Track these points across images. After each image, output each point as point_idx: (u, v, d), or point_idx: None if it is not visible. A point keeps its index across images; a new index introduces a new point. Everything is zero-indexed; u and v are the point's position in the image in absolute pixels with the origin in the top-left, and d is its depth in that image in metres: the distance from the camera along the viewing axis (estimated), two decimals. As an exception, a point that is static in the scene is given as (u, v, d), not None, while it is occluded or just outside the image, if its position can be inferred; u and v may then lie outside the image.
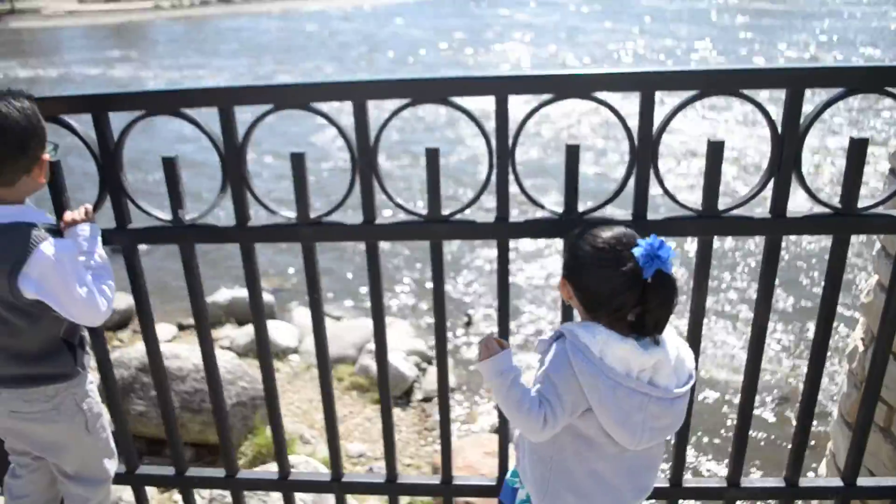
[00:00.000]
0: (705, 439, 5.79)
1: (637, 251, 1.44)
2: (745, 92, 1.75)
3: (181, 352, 5.01)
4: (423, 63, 22.10)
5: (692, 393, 1.67)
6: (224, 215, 2.03)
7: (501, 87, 1.79)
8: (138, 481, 2.39)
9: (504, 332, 2.04)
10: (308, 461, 4.37)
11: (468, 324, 7.76)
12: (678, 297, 1.48)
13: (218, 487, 2.50)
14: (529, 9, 36.26)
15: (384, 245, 9.20)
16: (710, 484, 2.18)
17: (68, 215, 1.87)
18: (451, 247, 8.73)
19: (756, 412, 5.75)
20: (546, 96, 1.79)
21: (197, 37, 29.50)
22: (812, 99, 1.66)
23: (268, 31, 30.53)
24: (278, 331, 6.90)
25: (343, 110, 1.75)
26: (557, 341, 1.55)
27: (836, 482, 2.13)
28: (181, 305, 7.47)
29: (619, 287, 1.46)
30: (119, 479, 2.32)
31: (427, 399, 6.58)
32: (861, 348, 2.52)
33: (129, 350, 5.20)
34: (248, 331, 6.89)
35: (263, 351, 2.18)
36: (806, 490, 2.14)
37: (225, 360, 5.05)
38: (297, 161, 1.90)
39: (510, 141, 1.83)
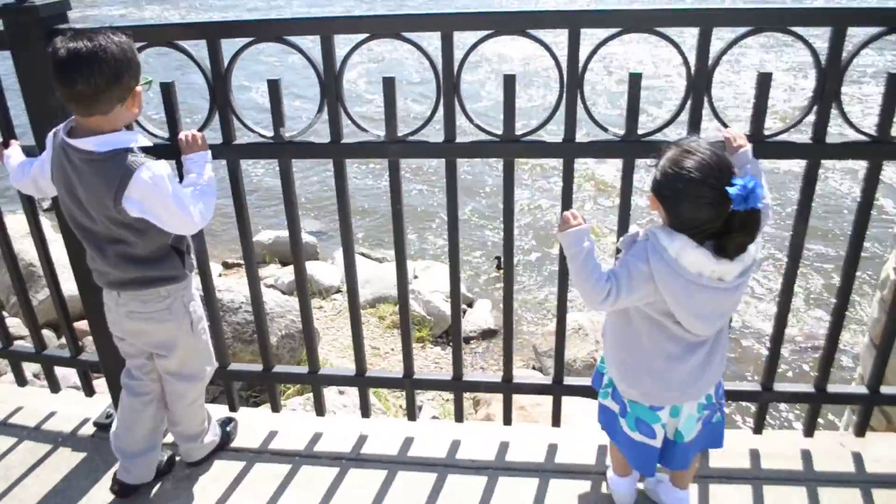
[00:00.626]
0: (745, 352, 6.18)
1: (732, 191, 1.56)
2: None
3: (232, 285, 5.33)
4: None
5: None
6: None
7: (574, 21, 2.00)
8: (229, 377, 2.69)
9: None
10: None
11: (498, 267, 8.03)
12: (759, 228, 1.66)
13: (301, 382, 2.78)
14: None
15: (423, 188, 9.50)
16: (746, 387, 2.42)
17: (182, 134, 2.14)
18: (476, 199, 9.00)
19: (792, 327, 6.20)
20: (613, 30, 2.01)
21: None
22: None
23: None
24: (321, 271, 7.18)
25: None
26: (641, 238, 1.76)
27: (862, 389, 2.36)
28: (225, 247, 7.86)
29: (709, 217, 1.62)
30: (215, 374, 2.63)
31: (467, 339, 6.87)
32: (893, 277, 2.72)
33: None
34: (292, 270, 7.20)
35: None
36: (834, 395, 2.37)
37: (273, 296, 5.37)
38: (388, 85, 2.14)
39: (579, 69, 2.05)
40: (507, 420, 2.59)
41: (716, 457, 2.39)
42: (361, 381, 2.60)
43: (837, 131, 2.05)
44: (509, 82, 2.09)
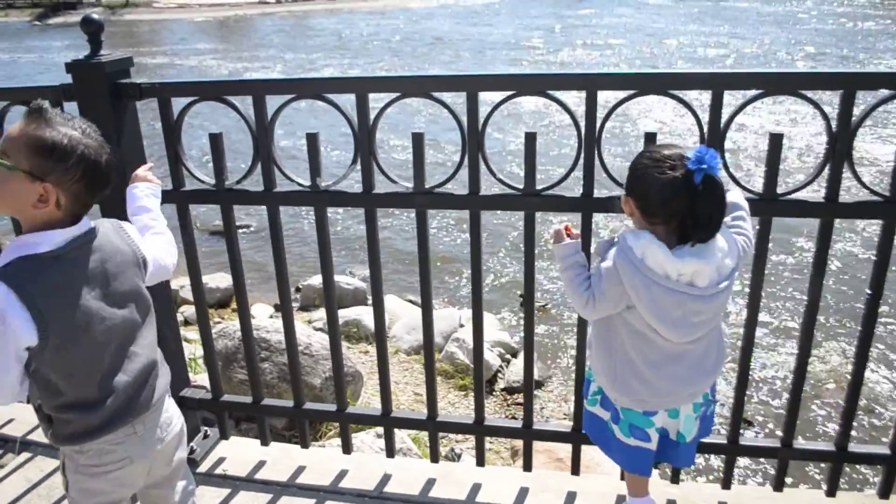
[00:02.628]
0: (762, 405, 6.06)
1: (689, 153, 1.70)
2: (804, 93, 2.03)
3: (280, 326, 5.50)
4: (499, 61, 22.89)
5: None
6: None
7: (591, 83, 2.12)
8: (261, 411, 2.81)
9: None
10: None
11: (522, 304, 8.16)
12: (725, 201, 1.75)
13: (329, 420, 2.88)
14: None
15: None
16: (766, 443, 2.42)
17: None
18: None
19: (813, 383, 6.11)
20: (629, 92, 2.12)
21: (291, 32, 30.94)
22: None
23: (356, 26, 31.84)
24: (369, 315, 7.34)
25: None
26: (613, 242, 1.88)
27: (884, 450, 2.34)
28: (274, 291, 8.16)
29: (673, 190, 1.71)
30: (246, 408, 2.77)
31: (510, 390, 6.89)
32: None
33: (234, 323, 5.76)
34: (340, 314, 7.35)
35: (376, 287, 2.57)
36: (854, 455, 2.36)
37: (320, 338, 5.53)
38: (417, 140, 2.28)
39: (597, 128, 2.16)
40: (528, 466, 2.64)
41: (734, 512, 2.39)
42: (386, 420, 2.70)
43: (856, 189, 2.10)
44: (530, 140, 2.21)
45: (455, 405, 6.48)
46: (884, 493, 2.39)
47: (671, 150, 1.76)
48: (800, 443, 2.39)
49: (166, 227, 1.94)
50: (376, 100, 2.27)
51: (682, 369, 1.89)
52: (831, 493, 2.42)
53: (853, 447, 2.36)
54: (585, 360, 2.46)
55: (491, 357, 6.89)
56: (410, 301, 7.89)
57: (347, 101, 2.31)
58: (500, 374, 6.97)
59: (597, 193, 2.23)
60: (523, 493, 2.55)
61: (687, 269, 1.75)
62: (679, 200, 1.72)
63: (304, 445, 2.83)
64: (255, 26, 34.42)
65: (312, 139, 2.36)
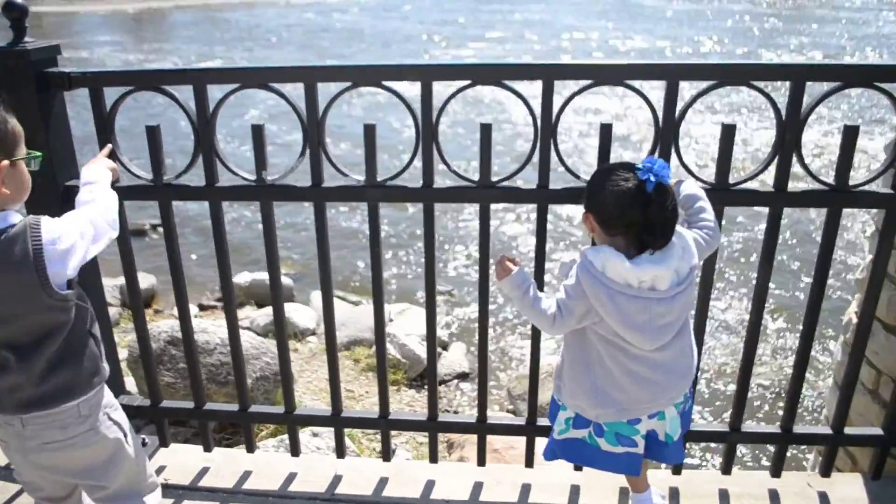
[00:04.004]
0: (712, 392, 6.35)
1: (639, 164, 1.79)
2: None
3: (208, 326, 5.32)
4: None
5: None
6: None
7: (549, 73, 2.09)
8: (204, 416, 2.69)
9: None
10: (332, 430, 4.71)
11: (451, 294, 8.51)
12: (677, 205, 1.84)
13: (277, 423, 2.79)
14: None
15: (402, 227, 9.62)
16: (714, 428, 2.47)
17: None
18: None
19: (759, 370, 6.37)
20: (585, 82, 2.11)
21: (202, 25, 30.05)
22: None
23: (269, 20, 31.25)
24: (297, 313, 7.19)
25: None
26: (574, 262, 1.91)
27: (826, 430, 2.43)
28: (201, 288, 7.87)
29: (628, 200, 1.78)
30: (188, 413, 2.65)
31: (442, 381, 6.88)
32: (855, 320, 2.81)
33: (158, 324, 5.52)
34: (268, 311, 7.19)
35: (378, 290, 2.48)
36: (799, 436, 2.44)
37: (249, 337, 5.37)
38: (369, 131, 2.21)
39: (553, 118, 2.14)
40: (482, 461, 2.61)
41: (687, 497, 2.43)
42: (337, 421, 2.62)
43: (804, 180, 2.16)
44: (485, 131, 2.17)
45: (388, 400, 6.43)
46: (826, 472, 2.48)
47: (622, 165, 1.85)
48: (747, 426, 2.45)
49: (103, 195, 1.85)
50: (328, 90, 2.19)
51: (659, 376, 1.93)
52: (776, 473, 2.49)
53: (798, 428, 2.44)
54: (539, 354, 2.47)
55: (423, 350, 6.86)
56: (338, 297, 7.78)
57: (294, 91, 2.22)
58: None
59: (552, 185, 2.21)
60: (478, 487, 2.53)
61: (646, 275, 1.80)
62: (634, 210, 1.79)
63: (250, 449, 2.72)
64: (168, 20, 33.16)
65: (258, 131, 2.25)
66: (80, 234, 1.67)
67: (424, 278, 2.41)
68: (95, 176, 1.91)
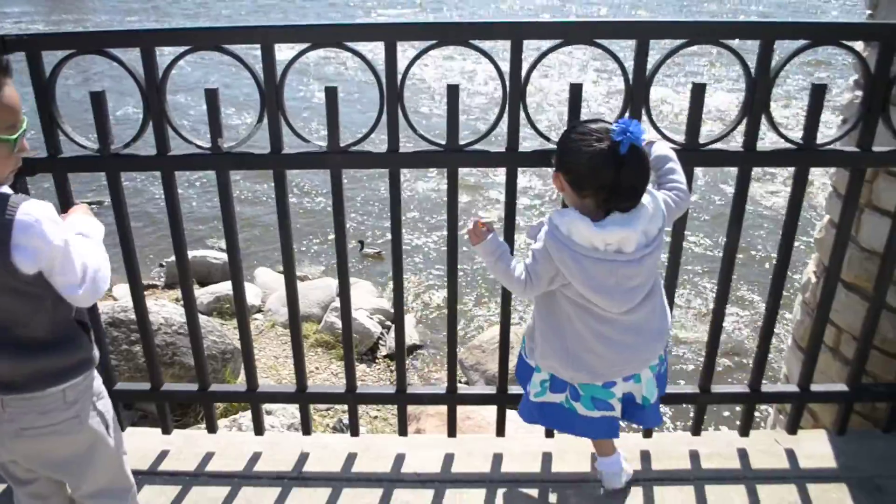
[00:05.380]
0: (681, 355, 6.50)
1: (613, 126, 1.74)
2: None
3: (150, 307, 5.15)
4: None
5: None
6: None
7: (517, 32, 2.03)
8: (162, 397, 2.58)
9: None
10: (285, 408, 4.64)
11: (361, 249, 8.64)
12: (649, 170, 1.80)
13: (240, 401, 2.69)
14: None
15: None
16: (685, 390, 2.48)
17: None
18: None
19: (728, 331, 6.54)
20: (555, 41, 2.05)
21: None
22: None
23: None
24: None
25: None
26: (541, 226, 1.89)
27: (793, 388, 2.46)
28: (142, 266, 7.61)
29: (601, 161, 1.74)
30: (145, 396, 2.54)
31: (392, 356, 6.83)
32: (814, 280, 2.86)
33: (98, 305, 5.32)
34: (211, 290, 7.05)
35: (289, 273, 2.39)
36: (767, 395, 2.47)
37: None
38: (331, 94, 2.11)
39: (522, 79, 2.08)
40: (452, 432, 2.57)
41: (658, 459, 2.44)
42: (302, 397, 2.54)
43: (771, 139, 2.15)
44: (452, 92, 2.10)
45: (338, 375, 6.35)
46: (792, 430, 2.52)
47: (597, 125, 1.79)
48: (717, 387, 2.47)
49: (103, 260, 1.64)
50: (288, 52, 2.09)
51: (631, 337, 1.91)
52: (745, 433, 2.52)
53: (765, 388, 2.46)
54: (509, 321, 2.43)
55: (371, 325, 6.80)
56: (281, 272, 7.63)
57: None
58: (381, 342, 6.89)
59: (521, 148, 2.16)
60: (449, 459, 2.49)
61: (612, 237, 1.78)
62: (607, 171, 1.74)
63: (211, 430, 2.63)
64: None
65: (212, 95, 2.13)
66: (62, 246, 1.51)
67: (391, 250, 2.34)
68: (88, 229, 1.70)
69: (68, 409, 1.63)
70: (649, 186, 1.84)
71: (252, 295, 7.15)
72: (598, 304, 1.85)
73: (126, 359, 4.74)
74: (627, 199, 1.78)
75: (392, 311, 7.34)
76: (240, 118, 12.27)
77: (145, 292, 7.05)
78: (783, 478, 2.36)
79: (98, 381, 1.76)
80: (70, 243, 1.53)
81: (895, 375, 2.48)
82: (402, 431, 2.59)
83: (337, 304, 6.83)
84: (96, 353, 1.71)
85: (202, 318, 5.39)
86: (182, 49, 2.08)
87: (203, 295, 6.93)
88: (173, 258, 2.41)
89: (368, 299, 7.33)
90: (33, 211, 1.47)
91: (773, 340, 2.44)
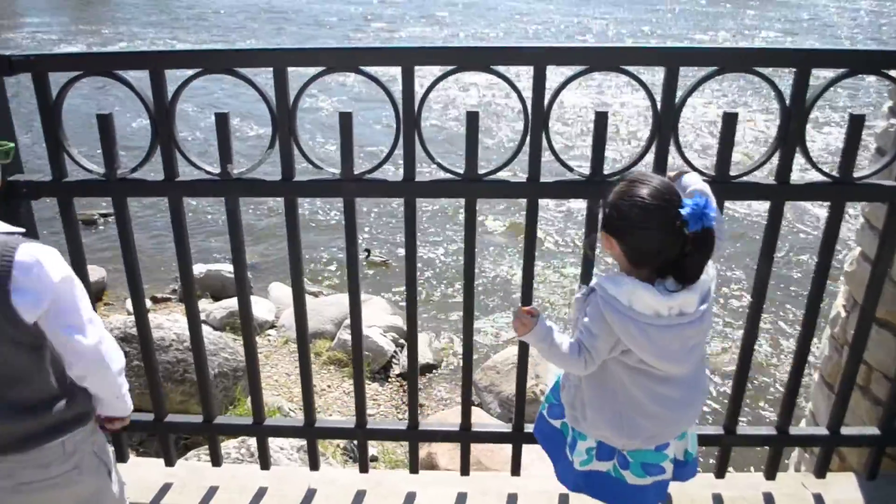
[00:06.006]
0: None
1: (685, 211, 1.56)
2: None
3: (163, 322, 5.08)
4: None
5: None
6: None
7: (540, 58, 1.94)
8: (166, 429, 2.48)
9: (528, 296, 2.20)
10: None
11: (367, 257, 8.48)
12: (713, 247, 1.64)
13: (246, 434, 2.61)
14: None
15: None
16: (709, 431, 2.37)
17: None
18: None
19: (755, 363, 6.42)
20: (580, 68, 1.96)
21: (153, 10, 29.01)
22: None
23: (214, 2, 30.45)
24: (256, 306, 6.96)
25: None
26: (591, 296, 1.72)
27: (822, 431, 2.35)
28: (152, 281, 7.53)
29: (667, 243, 1.60)
30: (148, 427, 2.45)
31: (405, 376, 6.73)
32: (843, 314, 2.74)
33: (110, 320, 5.25)
34: (224, 304, 6.98)
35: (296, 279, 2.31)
36: (795, 438, 2.36)
37: (206, 332, 5.16)
38: (345, 119, 2.03)
39: (545, 106, 1.99)
40: (465, 470, 2.47)
41: (680, 503, 2.33)
42: (310, 431, 2.44)
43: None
44: (472, 120, 2.01)
45: (350, 394, 6.25)
46: (821, 473, 2.41)
47: (658, 193, 1.61)
48: (742, 428, 2.36)
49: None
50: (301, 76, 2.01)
51: (683, 394, 1.79)
52: (771, 475, 2.41)
53: (794, 430, 2.35)
54: (527, 360, 2.33)
55: (385, 342, 6.70)
56: (298, 288, 7.57)
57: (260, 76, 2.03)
58: (394, 360, 6.80)
59: (543, 178, 2.07)
60: (462, 498, 2.39)
61: (676, 303, 1.65)
62: (672, 252, 1.61)
63: (216, 463, 2.53)
64: (113, 2, 31.80)
65: (222, 120, 2.05)
66: (64, 283, 1.45)
67: (406, 281, 2.25)
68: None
69: (67, 461, 1.56)
70: None
71: (265, 310, 7.09)
72: (664, 369, 1.72)
73: (137, 374, 4.67)
74: (690, 278, 1.64)
75: (405, 328, 7.32)
76: (250, 129, 12.25)
77: (159, 305, 6.92)
78: (812, 525, 2.26)
79: (96, 428, 1.67)
80: (75, 283, 1.46)
81: (930, 417, 2.36)
82: (414, 468, 2.49)
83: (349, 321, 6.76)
84: (94, 405, 1.63)
85: (214, 335, 5.32)
86: (192, 72, 2.01)
87: (216, 310, 6.87)
88: (196, 271, 2.31)
89: (382, 316, 7.23)
90: (34, 251, 1.41)
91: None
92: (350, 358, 6.62)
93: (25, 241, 1.43)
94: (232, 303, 6.95)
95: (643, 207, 1.61)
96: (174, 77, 1.99)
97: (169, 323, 5.06)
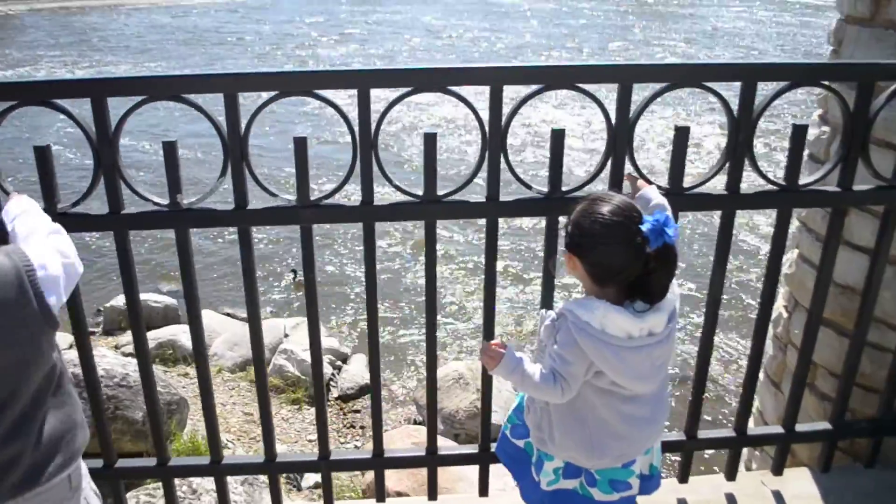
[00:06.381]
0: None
1: (645, 227, 1.58)
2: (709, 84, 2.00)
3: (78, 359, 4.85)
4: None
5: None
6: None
7: (496, 77, 1.94)
8: (117, 475, 2.36)
9: (490, 328, 2.19)
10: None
11: (294, 278, 8.64)
12: (677, 264, 1.66)
13: (203, 475, 2.50)
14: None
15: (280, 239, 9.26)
16: (671, 437, 2.41)
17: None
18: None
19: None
20: (536, 87, 1.97)
21: (61, 32, 27.93)
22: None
23: (122, 23, 29.65)
24: (186, 335, 6.75)
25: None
26: (560, 321, 1.71)
27: (778, 430, 2.42)
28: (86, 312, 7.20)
29: (629, 260, 1.60)
30: (97, 474, 2.31)
31: (345, 398, 6.62)
32: (784, 315, 2.85)
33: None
34: (152, 335, 6.72)
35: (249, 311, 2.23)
36: (753, 438, 2.43)
37: (134, 366, 4.97)
38: (300, 145, 1.98)
39: (502, 125, 1.99)
40: (433, 494, 2.43)
41: (646, 511, 2.36)
42: (272, 466, 2.36)
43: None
44: (430, 141, 1.99)
45: (289, 420, 6.11)
46: (778, 470, 2.48)
47: (619, 211, 1.63)
48: (703, 433, 2.41)
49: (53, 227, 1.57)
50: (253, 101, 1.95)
51: (650, 411, 1.80)
52: (731, 476, 2.47)
53: (751, 430, 2.42)
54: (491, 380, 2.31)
55: (323, 366, 6.57)
56: (228, 314, 7.33)
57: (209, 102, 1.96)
58: (332, 382, 6.69)
59: (502, 197, 2.07)
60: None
61: (647, 324, 1.66)
62: (635, 269, 1.61)
63: (172, 506, 2.41)
64: (20, 25, 30.35)
65: (170, 148, 1.97)
66: (60, 255, 1.46)
67: (366, 307, 2.21)
68: (25, 205, 1.62)
69: (73, 497, 1.51)
70: None
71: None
72: (636, 390, 1.73)
73: (101, 430, 4.43)
74: (656, 296, 1.66)
75: (342, 350, 7.21)
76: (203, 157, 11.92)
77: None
78: (774, 523, 2.32)
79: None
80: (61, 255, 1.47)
81: (874, 409, 2.47)
82: (380, 497, 2.43)
83: (286, 345, 6.61)
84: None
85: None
86: (137, 99, 1.92)
87: (149, 341, 6.60)
88: (111, 303, 2.21)
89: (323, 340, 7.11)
90: (36, 253, 1.41)
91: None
92: (287, 384, 6.48)
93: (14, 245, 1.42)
94: (160, 333, 6.71)
95: (604, 224, 1.62)
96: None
97: (97, 358, 4.82)
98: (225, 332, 6.83)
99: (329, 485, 2.41)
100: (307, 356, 6.41)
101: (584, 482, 1.88)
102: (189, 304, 2.17)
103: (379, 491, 2.43)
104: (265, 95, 1.95)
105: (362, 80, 1.94)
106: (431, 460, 2.38)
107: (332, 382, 6.65)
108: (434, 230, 2.12)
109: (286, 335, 6.93)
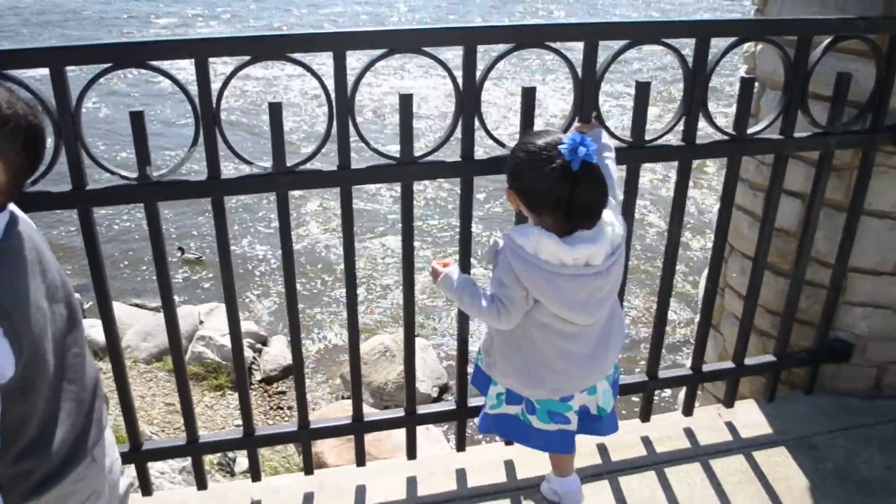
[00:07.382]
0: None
1: (562, 147, 1.66)
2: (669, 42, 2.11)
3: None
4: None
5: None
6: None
7: (471, 38, 1.96)
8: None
9: (466, 261, 2.23)
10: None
11: (182, 255, 8.62)
12: (605, 185, 1.74)
13: (181, 455, 2.41)
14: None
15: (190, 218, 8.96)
16: (634, 380, 2.54)
17: None
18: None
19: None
20: (508, 46, 2.00)
21: None
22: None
23: None
24: (94, 329, 6.44)
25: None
26: (501, 248, 1.79)
27: (730, 365, 2.61)
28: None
29: (553, 182, 1.67)
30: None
31: (268, 380, 6.52)
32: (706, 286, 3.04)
33: None
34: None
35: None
36: (708, 374, 2.60)
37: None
38: (275, 110, 1.95)
39: (476, 84, 2.02)
40: (412, 453, 2.47)
41: (614, 451, 2.49)
42: (195, 448, 2.31)
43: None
44: (405, 102, 2.00)
45: (213, 407, 5.98)
46: (730, 403, 2.67)
47: (545, 139, 1.72)
48: (663, 373, 2.56)
49: None
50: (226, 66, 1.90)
51: (592, 349, 1.88)
52: (689, 412, 2.64)
53: (706, 367, 2.59)
54: (467, 336, 2.36)
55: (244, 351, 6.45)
56: (137, 305, 7.03)
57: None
58: (254, 366, 6.57)
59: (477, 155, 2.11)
60: (413, 483, 2.40)
61: (581, 254, 1.73)
62: (559, 191, 1.68)
63: (147, 492, 2.34)
64: None
65: (137, 119, 1.89)
66: None
67: (345, 280, 2.20)
68: None
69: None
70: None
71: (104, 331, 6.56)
72: (572, 320, 1.80)
73: None
74: (585, 218, 1.72)
75: (261, 333, 7.05)
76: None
77: None
78: (730, 450, 2.51)
79: None
80: None
81: (808, 341, 2.69)
82: (308, 470, 2.42)
83: (202, 332, 6.43)
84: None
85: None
86: (103, 66, 1.83)
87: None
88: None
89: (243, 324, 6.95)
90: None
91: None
92: (207, 370, 6.31)
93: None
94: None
95: (527, 150, 1.73)
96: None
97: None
98: (137, 323, 6.56)
99: (256, 462, 2.38)
100: (227, 340, 6.32)
101: (524, 409, 1.99)
102: (161, 283, 2.10)
103: (307, 462, 2.41)
104: (231, 62, 1.89)
105: (339, 43, 1.91)
106: (358, 427, 2.39)
107: (254, 366, 6.53)
108: (411, 192, 2.13)
109: (201, 322, 6.73)
